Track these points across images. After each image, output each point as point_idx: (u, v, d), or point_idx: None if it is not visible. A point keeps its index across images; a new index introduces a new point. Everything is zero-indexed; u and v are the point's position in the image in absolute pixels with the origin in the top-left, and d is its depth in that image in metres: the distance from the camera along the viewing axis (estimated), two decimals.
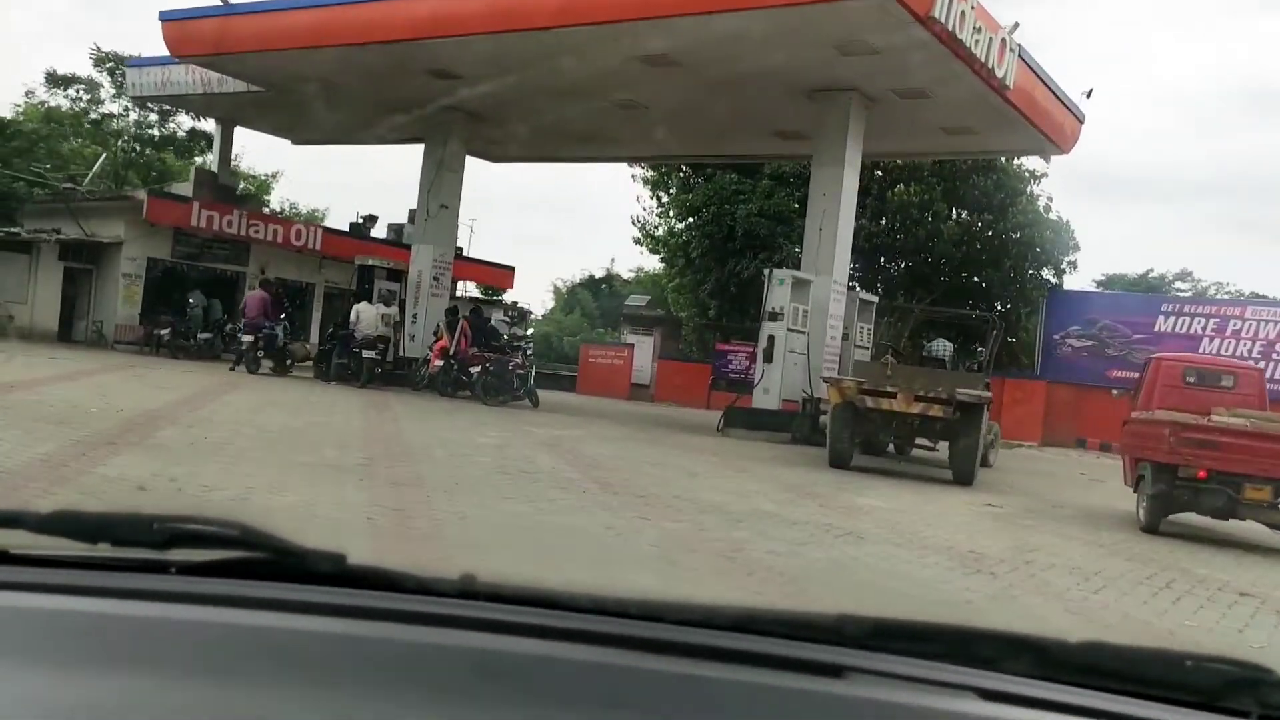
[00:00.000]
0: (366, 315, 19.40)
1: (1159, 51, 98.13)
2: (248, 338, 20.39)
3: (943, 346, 16.61)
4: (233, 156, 29.57)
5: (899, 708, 0.92)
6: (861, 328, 18.64)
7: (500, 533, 6.51)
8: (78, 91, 31.41)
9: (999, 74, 15.91)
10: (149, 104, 30.86)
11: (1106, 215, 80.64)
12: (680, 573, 5.78)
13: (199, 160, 31.43)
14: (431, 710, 0.88)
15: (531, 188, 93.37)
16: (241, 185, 33.07)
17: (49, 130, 29.66)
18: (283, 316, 21.18)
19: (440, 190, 22.21)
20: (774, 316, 16.53)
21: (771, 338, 16.50)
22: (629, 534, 6.75)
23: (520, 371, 19.06)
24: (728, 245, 29.63)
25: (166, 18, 19.68)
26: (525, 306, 29.71)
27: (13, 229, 23.69)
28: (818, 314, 17.11)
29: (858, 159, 18.15)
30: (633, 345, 31.01)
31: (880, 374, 13.47)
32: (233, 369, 19.95)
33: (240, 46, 19.08)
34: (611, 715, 0.90)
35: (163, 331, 23.35)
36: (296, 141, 27.57)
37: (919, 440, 14.08)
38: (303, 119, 24.39)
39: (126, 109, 31.08)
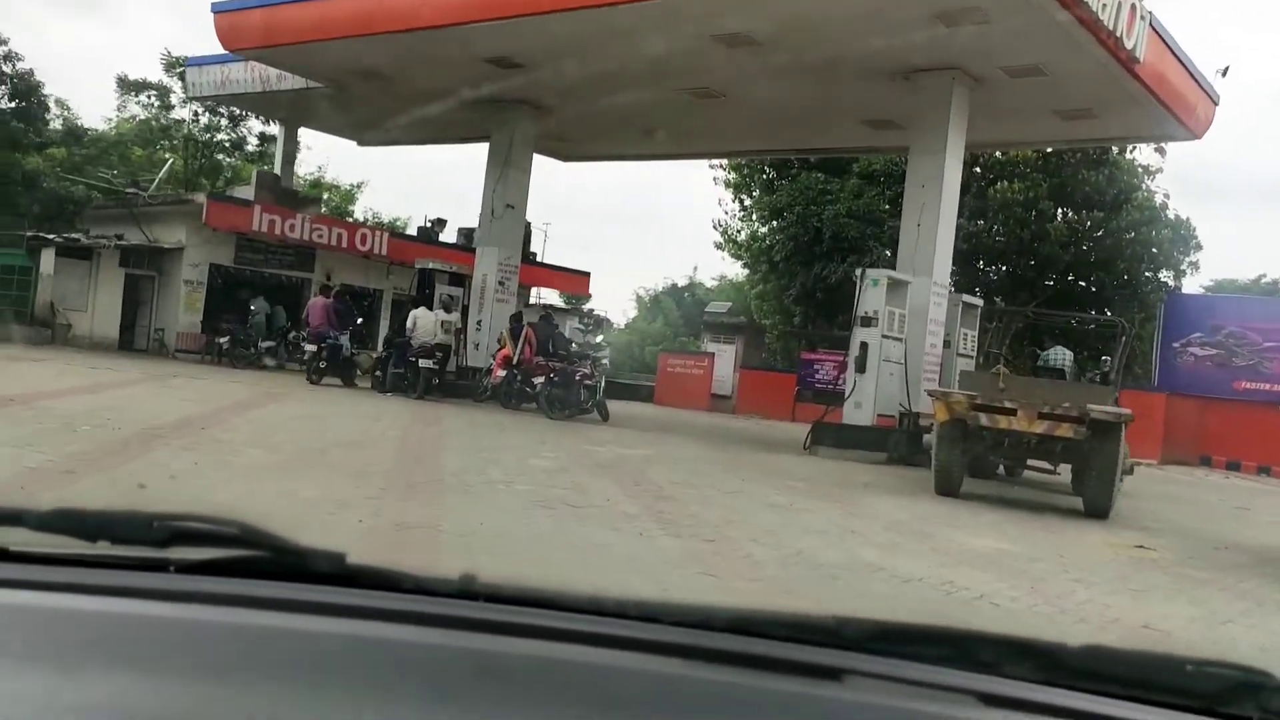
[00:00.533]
0: (424, 322, 18.11)
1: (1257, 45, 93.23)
2: (311, 347, 19.31)
3: (1060, 355, 14.63)
4: (300, 161, 28.77)
5: (898, 712, 0.92)
6: (965, 334, 16.74)
7: None
8: (149, 97, 30.97)
9: (1128, 45, 13.93)
10: (217, 108, 30.30)
11: (1208, 216, 76.50)
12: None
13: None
14: (430, 710, 0.88)
15: (612, 193, 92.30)
16: (307, 188, 32.36)
17: (118, 136, 29.22)
18: (349, 326, 20.01)
19: (506, 189, 20.88)
20: (867, 322, 14.75)
21: (864, 345, 14.73)
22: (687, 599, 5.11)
23: (589, 382, 17.53)
24: (814, 248, 27.85)
25: (218, 9, 18.74)
26: (602, 314, 28.46)
27: (73, 234, 23.04)
28: (916, 319, 15.29)
29: (960, 147, 16.29)
30: (713, 354, 29.30)
31: (993, 387, 11.58)
32: (311, 380, 18.83)
33: (289, 37, 18.01)
34: (609, 716, 0.90)
35: (222, 340, 22.47)
36: (362, 143, 26.56)
37: (1032, 461, 12.17)
38: (364, 117, 23.30)
39: (195, 114, 30.57)
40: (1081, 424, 10.31)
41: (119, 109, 31.67)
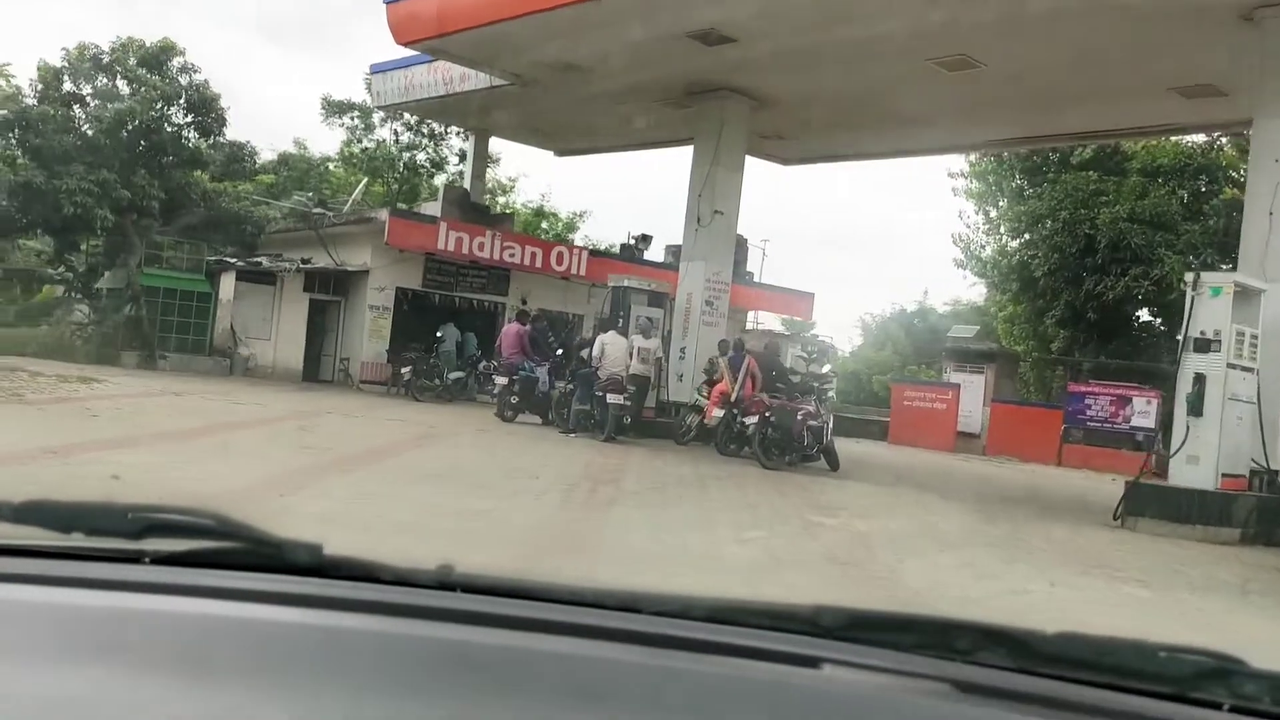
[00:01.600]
0: (614, 349, 15.20)
1: None
2: (502, 380, 16.80)
3: None
4: (499, 183, 26.80)
5: (875, 699, 0.93)
6: None
7: None
8: (352, 118, 29.94)
9: None
10: (418, 126, 28.86)
11: None
12: None
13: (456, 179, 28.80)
14: (407, 701, 0.87)
15: (830, 212, 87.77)
16: (530, 215, 30.38)
17: (320, 159, 28.28)
18: (547, 356, 17.33)
19: (713, 193, 17.81)
20: (1204, 346, 10.64)
21: (1200, 379, 10.61)
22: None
23: (813, 423, 14.06)
24: (1084, 261, 23.38)
25: (390, 1, 16.66)
26: (827, 340, 24.95)
27: (254, 258, 21.65)
28: (1274, 341, 11.03)
29: None
30: (958, 385, 25.07)
31: None
32: (503, 417, 16.51)
33: (462, 22, 15.66)
34: (588, 706, 0.89)
35: (404, 370, 20.40)
36: (559, 153, 24.21)
37: None
38: (556, 120, 20.86)
39: (395, 133, 29.27)
40: None
41: (325, 127, 30.89)
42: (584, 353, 15.68)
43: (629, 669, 0.94)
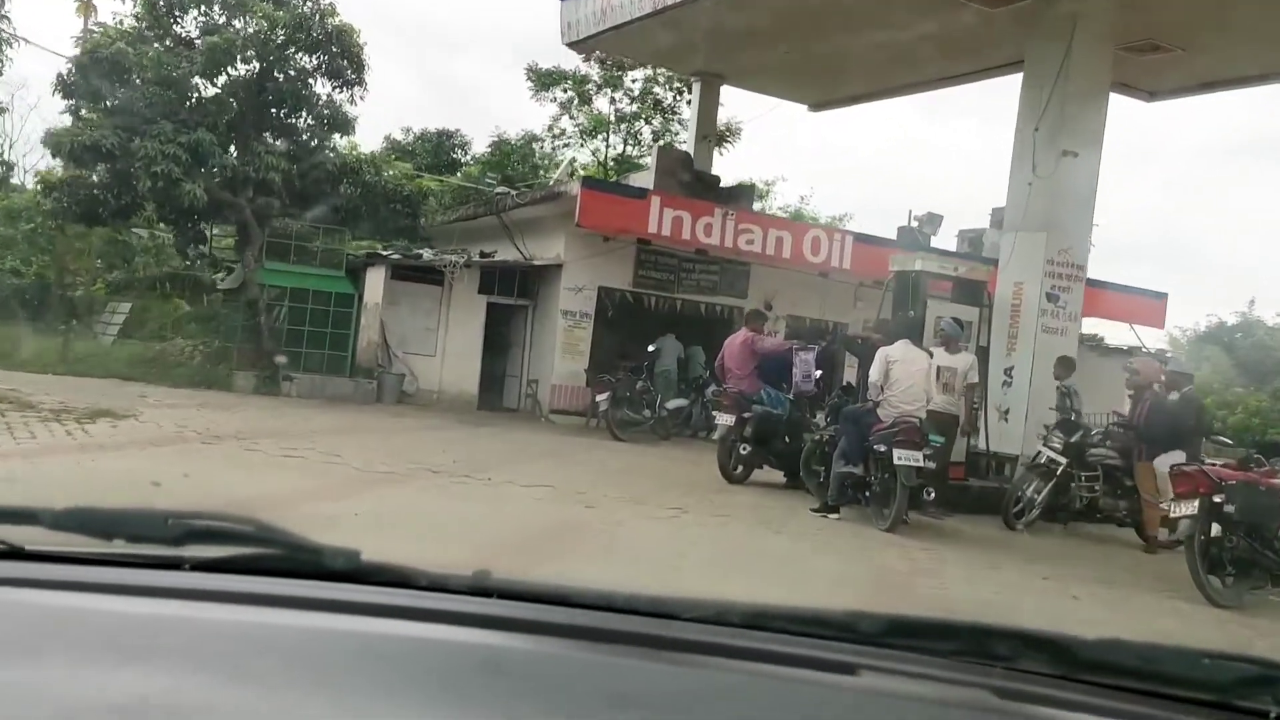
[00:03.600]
0: (907, 371, 9.02)
1: None
2: (725, 418, 10.93)
3: None
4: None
5: (914, 706, 0.92)
6: None
7: None
8: (564, 89, 24.98)
9: None
10: (640, 96, 23.59)
11: None
12: None
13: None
14: (443, 706, 0.88)
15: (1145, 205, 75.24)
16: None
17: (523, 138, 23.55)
18: (804, 383, 11.26)
19: (1061, 126, 11.33)
20: None
21: None
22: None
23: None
24: None
25: None
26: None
27: (415, 249, 16.77)
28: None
29: None
30: None
31: None
32: (729, 476, 10.89)
33: None
34: (623, 711, 0.89)
35: (601, 397, 14.97)
36: (815, 106, 18.09)
37: None
38: (811, 53, 14.81)
39: (614, 100, 24.06)
40: None
41: (535, 102, 26.06)
42: (848, 375, 9.67)
43: (665, 675, 0.94)
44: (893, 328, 9.57)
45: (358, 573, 1.10)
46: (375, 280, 15.84)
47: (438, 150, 26.94)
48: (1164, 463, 9.29)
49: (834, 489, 9.19)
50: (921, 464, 8.60)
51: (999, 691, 0.91)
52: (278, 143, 14.85)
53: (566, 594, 1.06)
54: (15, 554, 1.13)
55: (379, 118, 63.01)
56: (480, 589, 1.08)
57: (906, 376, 8.99)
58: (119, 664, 0.92)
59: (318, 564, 1.10)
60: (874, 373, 8.97)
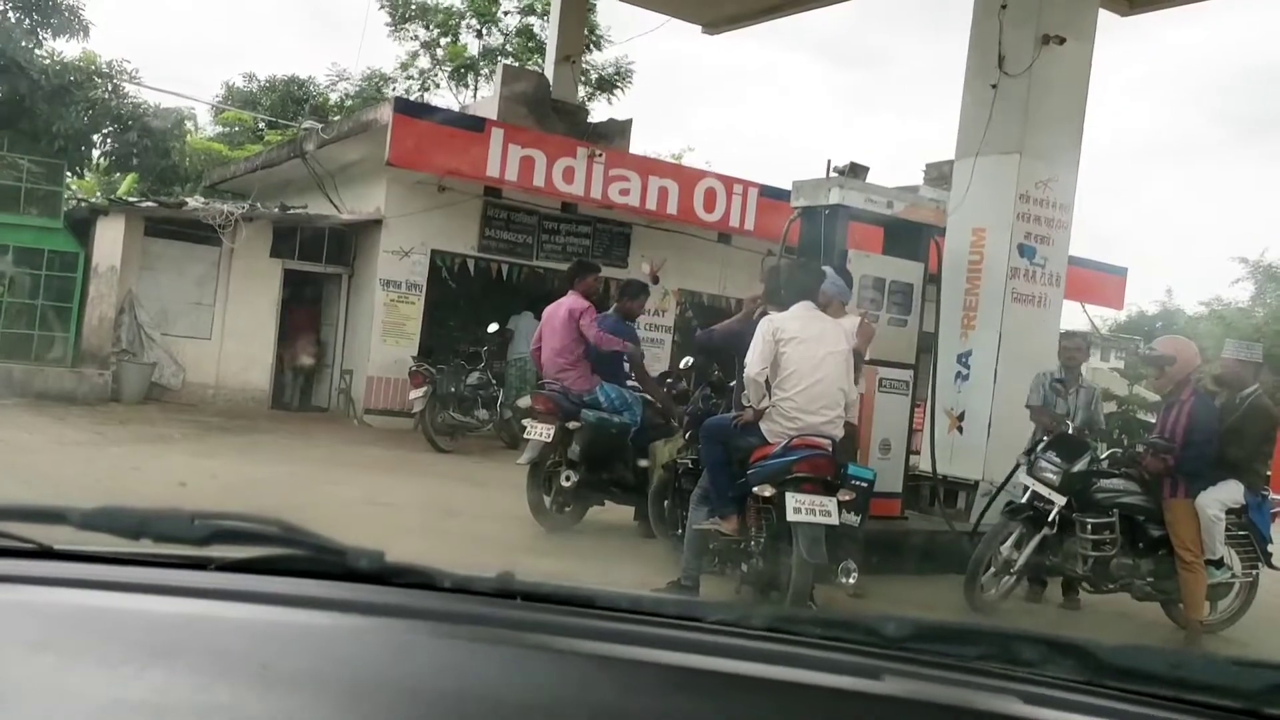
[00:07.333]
0: (806, 354, 5.33)
1: None
2: (540, 428, 7.16)
3: None
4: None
5: (938, 710, 0.91)
6: None
7: None
8: (427, 26, 20.90)
9: None
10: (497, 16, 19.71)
11: None
12: None
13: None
14: (466, 709, 0.87)
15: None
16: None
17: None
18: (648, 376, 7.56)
19: (1039, 2, 7.84)
20: None
21: None
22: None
23: None
24: None
25: None
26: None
27: (178, 201, 12.66)
28: None
29: None
30: None
31: None
32: (541, 514, 7.31)
33: None
34: (647, 715, 0.88)
35: (415, 394, 11.18)
36: (709, 26, 14.37)
37: None
38: None
39: (480, 35, 20.11)
40: None
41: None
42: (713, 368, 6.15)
43: (689, 679, 0.93)
44: (785, 285, 5.82)
45: (383, 574, 1.08)
46: (113, 235, 11.64)
47: (284, 100, 22.99)
48: (1211, 502, 6.06)
49: (689, 555, 5.48)
50: (837, 520, 4.96)
51: (1024, 697, 0.90)
52: None
53: (591, 597, 1.06)
54: (44, 553, 1.13)
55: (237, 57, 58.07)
56: (505, 591, 1.07)
57: (809, 365, 5.32)
58: (147, 663, 0.91)
59: (342, 565, 1.08)
60: (753, 359, 5.27)
